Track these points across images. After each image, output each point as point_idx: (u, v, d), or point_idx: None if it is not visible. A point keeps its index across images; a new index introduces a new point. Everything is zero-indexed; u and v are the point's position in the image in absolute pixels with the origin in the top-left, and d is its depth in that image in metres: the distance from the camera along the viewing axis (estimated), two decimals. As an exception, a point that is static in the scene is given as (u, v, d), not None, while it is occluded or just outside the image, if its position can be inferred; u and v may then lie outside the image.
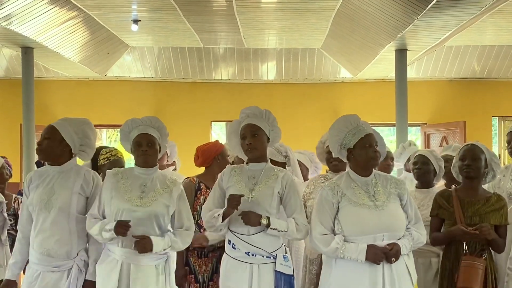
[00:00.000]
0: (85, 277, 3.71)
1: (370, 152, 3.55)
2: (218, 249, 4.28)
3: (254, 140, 3.75)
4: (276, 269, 3.69)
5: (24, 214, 3.82)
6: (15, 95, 10.18)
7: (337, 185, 3.62)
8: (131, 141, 3.74)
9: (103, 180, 3.84)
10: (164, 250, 3.60)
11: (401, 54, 9.01)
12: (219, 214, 3.67)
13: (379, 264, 3.42)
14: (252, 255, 3.68)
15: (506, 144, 4.58)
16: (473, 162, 3.95)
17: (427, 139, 11.28)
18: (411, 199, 3.67)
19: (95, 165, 4.65)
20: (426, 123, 11.41)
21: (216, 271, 4.28)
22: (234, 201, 3.61)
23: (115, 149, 4.78)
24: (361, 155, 3.56)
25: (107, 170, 3.85)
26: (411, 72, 10.33)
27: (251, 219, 3.63)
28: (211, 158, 4.66)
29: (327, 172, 4.80)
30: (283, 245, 3.80)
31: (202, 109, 11.39)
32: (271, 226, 3.63)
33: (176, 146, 6.95)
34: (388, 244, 3.46)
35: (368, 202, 3.53)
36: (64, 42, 8.78)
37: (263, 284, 3.67)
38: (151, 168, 3.72)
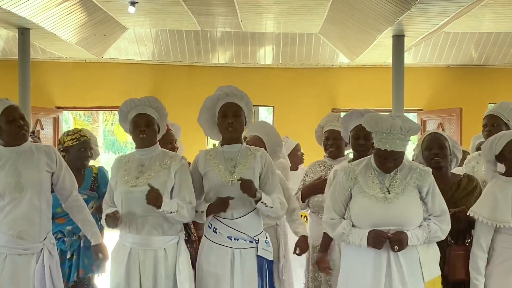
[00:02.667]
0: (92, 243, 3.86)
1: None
2: (194, 243, 4.21)
3: (235, 120, 3.68)
4: (258, 254, 3.67)
5: None
6: (11, 76, 10.11)
7: (353, 170, 3.54)
8: (129, 121, 3.74)
9: (67, 163, 3.87)
10: (171, 213, 3.54)
11: (398, 40, 8.98)
12: (202, 212, 3.64)
13: (379, 248, 3.34)
14: (235, 239, 3.64)
15: (482, 128, 4.46)
16: (441, 150, 3.89)
17: (423, 125, 11.28)
18: (435, 191, 3.50)
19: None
20: (422, 110, 11.42)
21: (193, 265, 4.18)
22: (225, 205, 3.58)
23: (82, 129, 4.71)
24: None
25: (115, 158, 3.86)
26: (408, 58, 10.31)
27: (252, 189, 3.55)
28: None
29: (325, 157, 4.80)
30: (263, 230, 3.78)
31: (199, 92, 11.16)
32: (262, 200, 3.59)
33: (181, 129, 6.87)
34: (394, 232, 3.37)
35: (379, 193, 3.43)
36: (61, 23, 8.73)
37: (246, 268, 3.63)
38: (150, 147, 3.71)
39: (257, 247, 3.67)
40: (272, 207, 3.64)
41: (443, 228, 3.46)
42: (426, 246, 3.44)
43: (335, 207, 3.54)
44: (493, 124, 4.29)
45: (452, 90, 11.31)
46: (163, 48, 10.96)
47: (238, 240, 3.65)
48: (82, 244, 4.35)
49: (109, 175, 3.91)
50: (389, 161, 3.41)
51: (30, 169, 3.67)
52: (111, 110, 12.69)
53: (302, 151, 6.09)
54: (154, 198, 3.47)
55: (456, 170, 4.22)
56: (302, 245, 4.18)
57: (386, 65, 10.69)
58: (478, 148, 4.98)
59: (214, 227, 3.68)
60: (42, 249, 3.64)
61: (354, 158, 4.04)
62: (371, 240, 3.35)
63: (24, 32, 9.12)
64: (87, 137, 4.60)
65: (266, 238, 3.76)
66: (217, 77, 11.35)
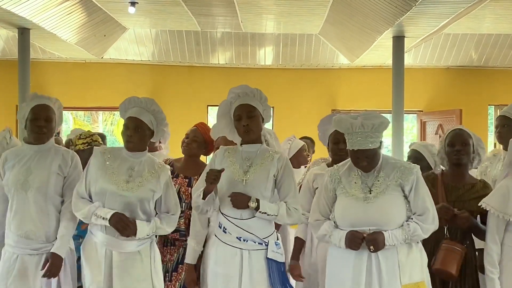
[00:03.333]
0: (50, 250, 3.58)
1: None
2: (180, 246, 4.13)
3: (250, 121, 3.59)
4: (268, 257, 3.58)
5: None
6: (11, 76, 10.13)
7: (337, 171, 3.52)
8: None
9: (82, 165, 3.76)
10: (148, 235, 3.54)
11: (398, 41, 8.99)
12: (200, 192, 3.56)
13: (356, 249, 3.30)
14: (244, 240, 3.57)
15: (494, 129, 4.45)
16: (464, 147, 3.84)
17: (423, 126, 11.28)
18: (419, 188, 3.40)
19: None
20: (422, 111, 11.42)
21: (181, 261, 4.09)
22: (212, 176, 3.47)
23: (94, 134, 4.65)
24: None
25: (94, 147, 3.76)
26: (408, 59, 10.31)
27: (239, 202, 3.51)
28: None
29: (329, 156, 4.76)
30: (274, 231, 3.70)
31: (199, 93, 11.36)
32: (260, 210, 3.51)
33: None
34: (371, 233, 3.31)
35: (359, 193, 3.39)
36: (61, 24, 8.72)
37: (254, 271, 3.56)
38: (139, 152, 3.64)
39: (266, 249, 3.59)
40: (276, 215, 3.56)
41: (424, 226, 3.36)
42: (407, 249, 3.36)
43: (320, 208, 3.53)
44: (504, 125, 4.26)
45: (452, 91, 11.31)
46: (163, 48, 10.95)
47: (247, 241, 3.57)
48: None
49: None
50: (361, 160, 3.36)
51: (40, 169, 3.65)
52: (111, 111, 12.68)
53: (307, 152, 6.08)
54: (130, 229, 3.46)
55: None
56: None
57: (386, 66, 10.68)
58: None
59: (224, 227, 3.61)
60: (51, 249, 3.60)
61: (333, 163, 3.95)
62: (347, 241, 3.32)
63: (24, 32, 9.12)
64: (98, 142, 4.57)
65: (277, 240, 3.68)
66: (217, 78, 11.37)
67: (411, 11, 7.13)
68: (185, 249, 4.05)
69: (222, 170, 3.51)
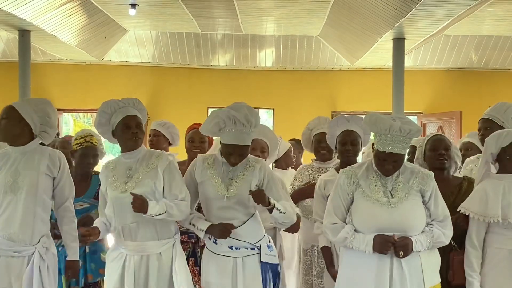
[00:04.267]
0: (66, 257, 3.71)
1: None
2: (189, 242, 4.14)
3: (240, 158, 3.59)
4: (261, 260, 3.58)
5: None
6: (11, 78, 10.12)
7: (354, 174, 3.45)
8: (114, 124, 3.62)
9: (71, 167, 3.79)
10: (160, 214, 3.46)
11: (398, 43, 8.99)
12: (202, 230, 3.57)
13: (386, 253, 3.25)
14: (236, 248, 3.56)
15: (477, 131, 4.38)
16: (446, 151, 3.87)
17: (423, 128, 11.28)
18: (438, 195, 3.42)
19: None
20: (422, 113, 11.42)
21: (188, 259, 4.11)
22: (227, 233, 3.51)
23: (91, 135, 4.56)
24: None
25: (102, 166, 3.75)
26: (408, 61, 10.32)
27: (265, 198, 3.46)
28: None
29: (312, 161, 4.74)
30: (265, 234, 3.69)
31: (199, 95, 11.36)
32: (276, 207, 3.49)
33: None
34: (398, 238, 3.27)
35: (382, 197, 3.34)
36: (61, 26, 8.73)
37: (248, 277, 3.55)
38: (136, 150, 3.62)
39: (259, 253, 3.59)
40: (285, 212, 3.54)
41: (446, 233, 3.39)
42: (428, 252, 3.36)
43: (337, 211, 3.44)
44: (486, 128, 4.25)
45: (452, 93, 11.31)
46: (164, 50, 10.96)
47: (239, 249, 3.57)
48: (87, 250, 4.30)
49: None
50: (388, 163, 3.33)
51: (28, 170, 3.61)
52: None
53: (293, 154, 6.08)
54: (139, 205, 3.41)
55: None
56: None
57: (386, 68, 10.68)
58: (462, 148, 4.99)
59: (214, 239, 3.60)
60: (33, 253, 3.57)
61: (342, 165, 3.95)
62: (377, 245, 3.26)
63: (24, 34, 9.12)
64: (91, 143, 4.47)
65: (269, 242, 3.67)
66: (217, 80, 11.38)
67: (411, 13, 7.14)
68: (189, 251, 4.09)
69: (234, 227, 3.52)
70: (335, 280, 3.98)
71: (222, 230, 3.52)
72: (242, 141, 3.54)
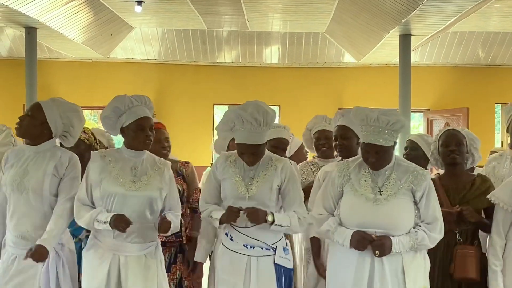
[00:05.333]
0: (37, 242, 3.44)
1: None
2: (176, 240, 4.09)
3: (254, 158, 3.51)
4: (275, 262, 3.49)
5: (1, 193, 3.64)
6: (17, 75, 10.16)
7: (347, 168, 3.40)
8: (126, 122, 3.50)
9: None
10: (177, 228, 3.47)
11: (405, 39, 8.97)
12: (216, 218, 3.51)
13: (362, 250, 3.21)
14: (251, 247, 3.49)
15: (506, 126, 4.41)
16: (458, 147, 3.78)
17: (429, 125, 11.26)
18: (430, 196, 3.30)
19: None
20: (429, 109, 11.39)
21: (174, 261, 4.08)
22: (234, 216, 3.44)
23: (84, 133, 4.34)
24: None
25: (92, 152, 3.63)
26: (415, 58, 10.29)
27: (259, 217, 3.41)
28: None
29: (314, 158, 4.72)
30: (283, 237, 3.60)
31: (205, 92, 11.37)
32: (275, 223, 3.41)
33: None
34: (378, 237, 3.19)
35: (369, 193, 3.27)
36: (67, 23, 8.75)
37: (262, 278, 3.48)
38: (142, 150, 3.54)
39: (274, 255, 3.51)
40: (289, 226, 3.48)
41: (432, 236, 3.27)
42: (413, 254, 3.27)
43: (325, 203, 3.42)
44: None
45: (459, 89, 11.28)
46: (170, 47, 10.96)
47: (254, 248, 3.49)
48: (82, 246, 4.24)
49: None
50: (372, 155, 3.25)
51: (36, 170, 3.56)
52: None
53: (306, 149, 6.10)
54: (164, 228, 3.38)
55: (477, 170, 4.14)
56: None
57: (392, 64, 10.67)
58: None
59: (231, 235, 3.54)
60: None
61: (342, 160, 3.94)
62: (354, 241, 3.20)
63: (31, 32, 9.16)
64: (85, 140, 4.31)
65: (286, 245, 3.60)
66: (223, 77, 11.38)
67: (418, 9, 7.11)
68: (176, 248, 4.05)
69: (241, 209, 3.44)
70: (318, 272, 4.02)
71: (228, 213, 3.45)
72: (253, 140, 3.45)
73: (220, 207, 3.61)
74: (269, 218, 3.42)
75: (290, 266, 3.58)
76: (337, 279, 3.34)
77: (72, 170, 3.62)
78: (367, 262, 3.23)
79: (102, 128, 4.59)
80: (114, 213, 3.36)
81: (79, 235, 4.12)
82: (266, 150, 3.65)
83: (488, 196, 3.56)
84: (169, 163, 3.65)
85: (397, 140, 3.35)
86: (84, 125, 4.42)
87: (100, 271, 3.45)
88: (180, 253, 4.16)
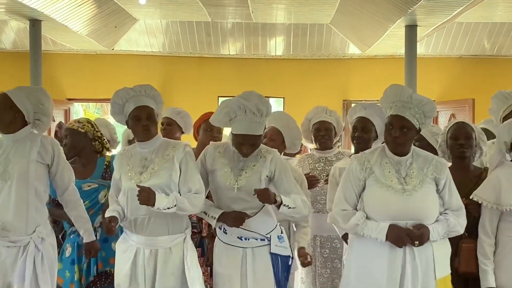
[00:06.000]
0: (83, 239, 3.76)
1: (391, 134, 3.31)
2: (196, 234, 4.08)
3: (251, 148, 3.49)
4: (271, 251, 3.50)
5: None
6: (22, 68, 10.13)
7: (367, 160, 3.35)
8: (126, 114, 3.52)
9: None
10: (169, 208, 3.35)
11: (411, 30, 8.90)
12: (214, 218, 3.50)
13: (401, 247, 3.18)
14: (245, 239, 3.50)
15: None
16: (467, 140, 3.78)
17: (435, 116, 11.20)
18: (452, 184, 3.33)
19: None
20: (434, 100, 11.21)
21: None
22: (240, 222, 3.44)
23: (79, 121, 4.34)
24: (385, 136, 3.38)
25: (117, 153, 3.70)
26: (420, 49, 10.21)
27: (270, 197, 3.37)
28: (195, 129, 4.58)
29: (312, 150, 4.71)
30: (277, 225, 3.61)
31: (209, 84, 11.33)
32: (283, 203, 3.40)
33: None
34: (414, 226, 3.18)
35: (396, 184, 3.24)
36: (72, 15, 8.71)
37: (258, 268, 3.48)
38: (152, 140, 3.52)
39: (269, 244, 3.52)
40: (295, 207, 3.46)
41: (461, 222, 3.31)
42: (440, 242, 3.28)
43: (348, 198, 3.36)
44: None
45: (465, 80, 11.21)
46: (174, 39, 10.92)
47: (248, 239, 3.51)
48: (98, 237, 4.24)
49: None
50: (395, 130, 3.23)
51: (19, 158, 3.54)
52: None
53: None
54: (145, 197, 3.30)
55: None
56: (303, 258, 3.93)
57: (398, 55, 10.60)
58: None
59: (224, 228, 3.55)
60: (28, 243, 3.51)
61: (356, 153, 3.90)
62: (392, 236, 3.18)
63: (35, 24, 9.12)
64: (79, 130, 4.28)
65: (281, 233, 3.60)
66: (227, 69, 11.34)
67: (424, 0, 7.06)
68: (196, 243, 4.00)
69: (248, 216, 3.46)
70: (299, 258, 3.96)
71: (235, 219, 3.45)
72: (253, 131, 3.44)
73: (213, 205, 3.60)
74: (278, 198, 3.40)
75: (287, 253, 3.57)
76: (369, 274, 3.27)
77: (59, 155, 3.65)
78: (399, 254, 3.21)
79: (107, 120, 4.59)
80: (107, 214, 3.48)
81: (94, 224, 4.09)
82: None
83: (471, 196, 3.55)
84: (183, 143, 3.59)
85: (422, 128, 3.33)
86: (86, 117, 4.45)
87: (125, 265, 3.48)
88: (199, 247, 4.13)
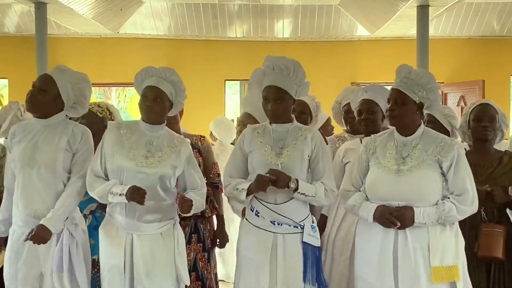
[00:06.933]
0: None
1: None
2: (191, 218, 3.98)
3: (277, 106, 3.38)
4: (303, 240, 3.38)
5: (9, 170, 3.53)
6: (26, 53, 10.05)
7: (372, 141, 3.35)
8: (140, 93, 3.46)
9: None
10: (203, 206, 3.44)
11: (423, 10, 8.75)
12: (243, 189, 3.38)
13: (387, 226, 3.13)
14: (278, 224, 3.38)
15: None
16: (491, 123, 3.69)
17: (444, 98, 11.09)
18: (460, 167, 3.18)
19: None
20: (443, 82, 11.21)
21: (189, 242, 4.00)
22: (263, 184, 3.31)
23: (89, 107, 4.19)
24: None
25: (109, 122, 3.57)
26: (429, 30, 10.08)
27: (281, 181, 3.29)
28: None
29: (344, 132, 4.62)
30: (310, 214, 3.50)
31: (216, 67, 11.22)
32: (298, 190, 3.32)
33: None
34: (397, 207, 3.13)
35: (392, 165, 3.19)
36: (77, -3, 8.62)
37: (289, 257, 3.37)
38: (158, 125, 3.43)
39: (302, 232, 3.41)
40: (313, 196, 3.37)
41: (460, 208, 3.14)
42: (440, 229, 3.15)
43: (352, 179, 3.35)
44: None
45: (474, 62, 11.12)
46: (180, 22, 10.79)
47: (281, 225, 3.39)
48: (88, 223, 3.95)
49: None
50: (392, 105, 3.21)
51: (47, 145, 3.43)
52: (128, 86, 12.60)
53: (332, 125, 5.99)
54: (188, 207, 3.28)
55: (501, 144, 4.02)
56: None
57: (407, 37, 10.51)
58: None
59: (257, 210, 3.43)
60: (62, 230, 3.40)
61: (365, 135, 3.89)
62: (377, 215, 3.15)
63: (40, 7, 9.00)
64: (98, 114, 4.17)
65: (313, 223, 3.49)
66: (234, 52, 11.23)
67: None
68: (191, 228, 4.00)
69: (272, 178, 3.32)
70: None
71: (258, 181, 3.32)
72: (281, 84, 3.38)
73: (242, 179, 3.49)
74: (292, 185, 3.31)
75: (317, 244, 3.47)
76: (364, 254, 3.26)
77: (84, 145, 3.49)
78: (391, 236, 3.15)
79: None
80: (130, 185, 3.26)
81: (83, 210, 3.95)
82: (295, 119, 3.55)
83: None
84: (188, 140, 3.53)
85: (424, 103, 3.25)
86: (98, 101, 4.33)
87: (117, 250, 3.35)
88: (195, 233, 4.07)
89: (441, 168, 3.18)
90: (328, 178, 3.44)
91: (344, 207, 3.46)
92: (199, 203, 3.41)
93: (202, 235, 4.10)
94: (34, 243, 3.28)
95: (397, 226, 3.09)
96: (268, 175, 3.33)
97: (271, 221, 3.40)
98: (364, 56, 11.20)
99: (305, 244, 3.41)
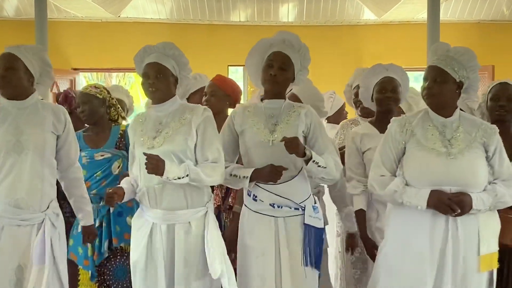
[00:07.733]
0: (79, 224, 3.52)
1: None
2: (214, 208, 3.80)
3: (280, 73, 3.27)
4: (305, 222, 3.26)
5: None
6: (25, 37, 9.80)
7: (408, 122, 3.15)
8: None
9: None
10: (179, 178, 3.08)
11: (434, -8, 8.52)
12: (245, 177, 3.22)
13: (445, 214, 2.94)
14: (278, 206, 3.25)
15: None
16: (508, 102, 3.57)
17: (453, 84, 10.94)
18: (503, 152, 3.11)
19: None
20: (452, 68, 11.06)
21: None
22: (277, 175, 3.16)
23: (96, 87, 4.21)
24: None
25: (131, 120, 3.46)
26: (439, 14, 9.94)
27: (299, 147, 3.09)
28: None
29: (356, 116, 4.55)
30: (311, 194, 3.35)
31: (219, 52, 11.02)
32: (313, 159, 3.14)
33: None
34: (455, 192, 2.95)
35: (440, 147, 3.02)
36: (78, -21, 8.43)
37: (291, 240, 3.24)
38: (166, 102, 3.27)
39: (303, 214, 3.27)
40: (325, 167, 3.20)
41: (511, 192, 3.04)
42: (487, 216, 3.04)
43: (386, 163, 3.15)
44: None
45: (484, 46, 10.84)
46: (182, 6, 10.58)
47: (281, 207, 3.25)
48: (111, 210, 3.97)
49: None
50: (430, 82, 3.05)
51: (33, 128, 3.29)
52: (127, 71, 12.43)
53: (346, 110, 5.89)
54: (154, 165, 3.03)
55: None
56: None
57: (414, 21, 10.36)
58: None
59: (254, 194, 3.28)
60: (43, 220, 3.28)
61: (378, 116, 3.75)
62: (434, 202, 2.94)
63: (40, -11, 8.80)
64: (97, 96, 4.10)
65: (315, 203, 3.35)
66: (238, 36, 11.02)
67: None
68: (216, 213, 3.74)
69: (286, 168, 3.17)
70: (368, 253, 3.67)
71: (271, 172, 3.17)
72: (283, 49, 3.32)
73: (242, 166, 3.33)
74: (308, 152, 3.12)
75: (320, 225, 3.33)
76: (409, 246, 3.04)
77: (69, 127, 3.39)
78: (440, 225, 2.97)
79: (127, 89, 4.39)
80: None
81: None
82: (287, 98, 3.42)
83: None
84: (201, 106, 3.32)
85: (464, 83, 3.10)
86: (93, 83, 4.25)
87: (140, 243, 3.22)
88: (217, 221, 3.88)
89: (486, 152, 3.07)
90: (331, 153, 3.30)
91: (380, 194, 3.17)
92: (192, 172, 3.11)
93: (224, 225, 3.91)
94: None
95: (456, 213, 2.93)
96: (281, 165, 3.19)
97: (270, 204, 3.26)
98: (371, 41, 10.99)
99: (307, 226, 3.26)
